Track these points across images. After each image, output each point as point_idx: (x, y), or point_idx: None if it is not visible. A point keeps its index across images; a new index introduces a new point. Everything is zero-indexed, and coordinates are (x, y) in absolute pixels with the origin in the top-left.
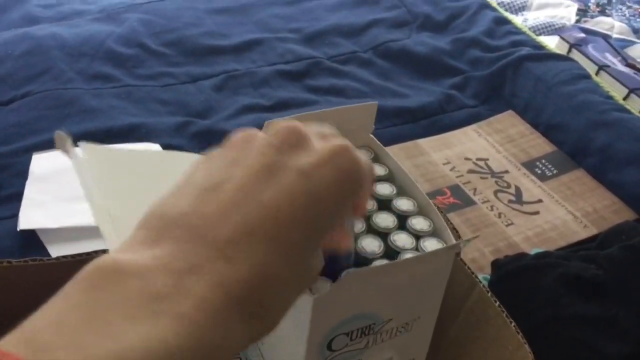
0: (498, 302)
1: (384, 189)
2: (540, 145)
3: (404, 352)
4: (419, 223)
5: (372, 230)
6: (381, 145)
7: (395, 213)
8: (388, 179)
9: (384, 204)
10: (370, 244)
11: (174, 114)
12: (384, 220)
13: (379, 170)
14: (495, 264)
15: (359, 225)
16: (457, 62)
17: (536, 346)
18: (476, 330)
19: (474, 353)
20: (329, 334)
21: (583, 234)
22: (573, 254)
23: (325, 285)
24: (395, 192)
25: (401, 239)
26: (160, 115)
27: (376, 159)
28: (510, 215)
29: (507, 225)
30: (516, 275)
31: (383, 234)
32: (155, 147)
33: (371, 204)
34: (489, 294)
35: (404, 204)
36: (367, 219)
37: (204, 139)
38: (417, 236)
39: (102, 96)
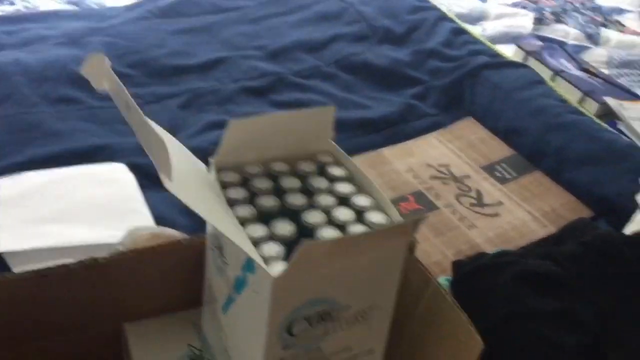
0: (451, 297)
1: (344, 188)
2: (499, 150)
3: (362, 342)
4: (376, 217)
5: (332, 223)
6: (341, 150)
7: (353, 209)
8: (348, 179)
9: (343, 201)
10: (332, 234)
11: None
12: (343, 214)
13: (339, 171)
14: (456, 265)
15: (319, 218)
16: (417, 73)
17: (496, 344)
18: (431, 326)
19: (429, 348)
20: (289, 317)
21: (542, 232)
22: (530, 251)
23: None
24: (354, 190)
25: (357, 228)
26: (126, 135)
27: (336, 164)
28: (472, 218)
29: (469, 228)
30: (475, 275)
31: (342, 227)
32: (121, 167)
33: (331, 201)
34: (442, 290)
35: (362, 200)
36: (327, 213)
37: None
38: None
39: (67, 119)
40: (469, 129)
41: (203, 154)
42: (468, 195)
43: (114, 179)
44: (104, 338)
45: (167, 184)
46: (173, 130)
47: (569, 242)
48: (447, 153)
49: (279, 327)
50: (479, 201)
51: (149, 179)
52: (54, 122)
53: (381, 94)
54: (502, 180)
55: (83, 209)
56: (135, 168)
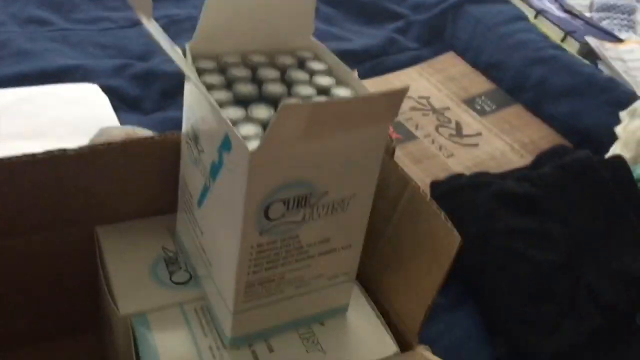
0: (429, 197)
1: (324, 80)
2: (479, 84)
3: (340, 234)
4: None
5: None
6: (323, 45)
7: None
8: (328, 73)
9: (323, 92)
10: None
11: (113, 57)
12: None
13: (319, 66)
14: (432, 186)
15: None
16: (399, 7)
17: (472, 261)
18: (409, 227)
19: (407, 248)
20: (266, 198)
21: (520, 163)
22: (508, 174)
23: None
24: (334, 83)
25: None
26: (98, 58)
27: (317, 59)
28: (450, 147)
29: (447, 157)
30: (452, 194)
31: None
32: (94, 87)
33: (310, 91)
34: (420, 190)
35: (343, 92)
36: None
37: (143, 80)
38: None
39: (37, 39)
40: (449, 63)
41: (179, 78)
42: (447, 126)
43: (86, 99)
44: (77, 240)
45: (146, 22)
46: (149, 55)
47: (547, 165)
48: (428, 86)
49: (256, 208)
50: (458, 132)
51: (124, 102)
52: (23, 42)
53: (362, 27)
54: (482, 113)
55: (53, 127)
56: (108, 90)
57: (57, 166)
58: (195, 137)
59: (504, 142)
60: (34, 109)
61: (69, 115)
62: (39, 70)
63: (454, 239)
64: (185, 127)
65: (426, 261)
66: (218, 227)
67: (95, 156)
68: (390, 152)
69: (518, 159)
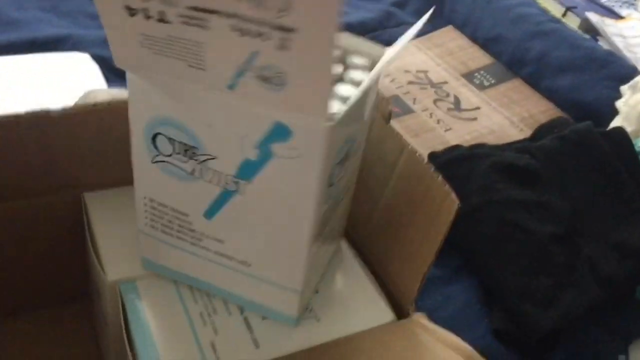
0: (426, 161)
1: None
2: (478, 58)
3: (352, 179)
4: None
5: None
6: None
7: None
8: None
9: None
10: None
11: (103, 27)
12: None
13: None
14: (431, 156)
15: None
16: None
17: (470, 231)
18: (406, 192)
19: (404, 214)
20: (331, 170)
21: (519, 136)
22: (507, 145)
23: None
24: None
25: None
26: (89, 27)
27: None
28: (449, 121)
29: (445, 131)
30: (451, 165)
31: None
32: (85, 56)
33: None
34: (417, 154)
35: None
36: None
37: None
38: None
39: (26, 8)
40: (448, 37)
41: None
42: (446, 100)
43: (77, 68)
44: (64, 207)
45: None
46: None
47: (547, 138)
48: (426, 60)
49: (326, 181)
50: (457, 106)
51: (114, 73)
52: (12, 11)
53: (359, 0)
54: (481, 87)
55: (42, 96)
56: (99, 60)
57: (42, 127)
58: (189, 149)
59: (503, 116)
60: (23, 78)
61: (59, 84)
62: (29, 39)
63: (452, 203)
64: (161, 146)
65: (423, 226)
66: (261, 219)
67: (81, 117)
68: (387, 117)
69: (517, 133)
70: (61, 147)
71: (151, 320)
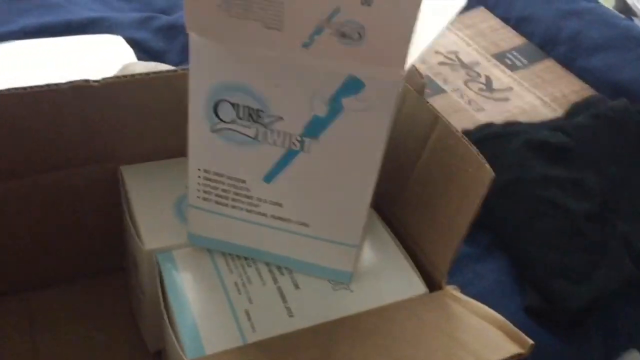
0: (460, 132)
1: None
2: (510, 38)
3: None
4: None
5: None
6: None
7: None
8: None
9: None
10: None
11: (137, 10)
12: None
13: None
14: (463, 134)
15: None
16: None
17: (503, 208)
18: (439, 163)
19: (437, 185)
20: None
21: (551, 117)
22: (540, 123)
23: None
24: None
25: None
26: (123, 10)
27: None
28: (480, 101)
29: (477, 111)
30: (483, 143)
31: None
32: (119, 39)
33: None
34: (451, 126)
35: None
36: None
37: (167, 33)
38: None
39: None
40: (480, 18)
41: None
42: (477, 80)
43: (111, 50)
44: (101, 179)
45: None
46: (173, 9)
47: (581, 115)
48: (457, 41)
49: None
50: (488, 86)
51: (147, 54)
52: None
53: None
54: (513, 68)
55: (77, 77)
56: (132, 43)
57: (81, 98)
58: (255, 112)
59: (535, 96)
60: (58, 60)
61: (93, 66)
62: (64, 22)
63: (486, 173)
64: (222, 113)
65: (456, 198)
66: (324, 176)
67: (119, 88)
68: (419, 90)
69: (550, 113)
70: (100, 118)
71: (188, 290)
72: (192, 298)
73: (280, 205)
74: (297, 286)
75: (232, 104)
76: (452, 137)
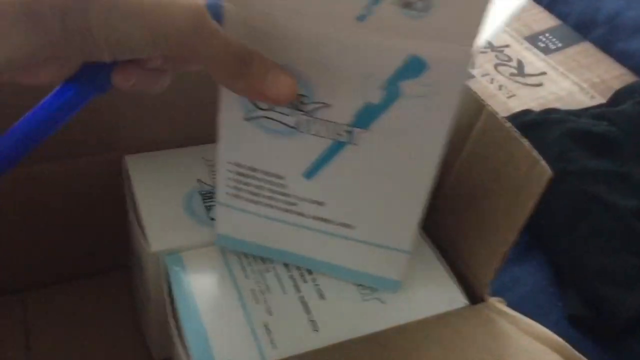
0: (509, 123)
1: None
2: (543, 20)
3: None
4: None
5: None
6: None
7: None
8: None
9: None
10: None
11: None
12: None
13: None
14: None
15: None
16: None
17: (540, 203)
18: (485, 159)
19: (481, 185)
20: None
21: (589, 103)
22: (582, 111)
23: None
24: None
25: None
26: None
27: None
28: (511, 87)
29: (508, 97)
30: (521, 132)
31: None
32: None
33: None
34: (499, 117)
35: None
36: None
37: None
38: None
39: None
40: None
41: None
42: (508, 64)
43: None
44: (104, 170)
45: None
46: None
47: (626, 103)
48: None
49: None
50: (520, 71)
51: None
52: None
53: None
54: (547, 51)
55: None
56: None
57: None
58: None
59: (571, 82)
60: None
61: None
62: None
63: (543, 172)
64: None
65: (504, 199)
66: (373, 171)
67: None
68: None
69: (588, 100)
70: (102, 104)
71: (198, 297)
72: (203, 307)
73: (321, 204)
74: (322, 296)
75: None
76: (499, 128)
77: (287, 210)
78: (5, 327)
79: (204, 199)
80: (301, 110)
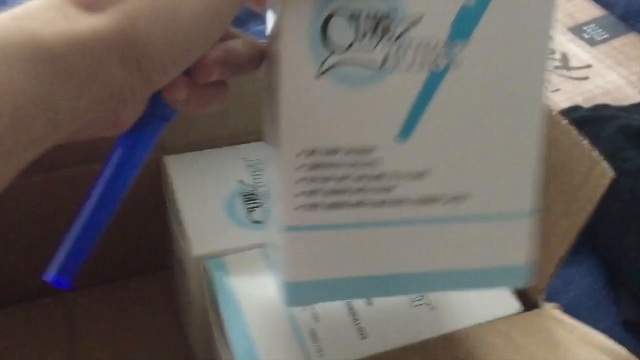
0: (567, 120)
1: None
2: (588, 9)
3: None
4: None
5: None
6: None
7: None
8: None
9: None
10: None
11: None
12: None
13: None
14: None
15: None
16: None
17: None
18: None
19: (540, 183)
20: None
21: (639, 98)
22: (635, 107)
23: None
24: None
25: None
26: None
27: None
28: (556, 81)
29: (552, 92)
30: None
31: None
32: None
33: None
34: (555, 113)
35: None
36: None
37: None
38: None
39: None
40: None
41: None
42: (551, 57)
43: None
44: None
45: None
46: None
47: None
48: None
49: None
50: (564, 64)
51: None
52: None
53: None
54: (592, 43)
55: None
56: None
57: None
58: (383, 19)
59: (619, 75)
60: None
61: None
62: None
63: (603, 174)
64: (336, 34)
65: (561, 201)
66: (484, 103)
67: None
68: None
69: (637, 94)
70: None
71: (243, 303)
72: (247, 313)
73: (424, 175)
74: (369, 302)
75: (349, 17)
76: (556, 127)
77: (382, 203)
78: (50, 328)
79: (245, 201)
80: (388, 37)
